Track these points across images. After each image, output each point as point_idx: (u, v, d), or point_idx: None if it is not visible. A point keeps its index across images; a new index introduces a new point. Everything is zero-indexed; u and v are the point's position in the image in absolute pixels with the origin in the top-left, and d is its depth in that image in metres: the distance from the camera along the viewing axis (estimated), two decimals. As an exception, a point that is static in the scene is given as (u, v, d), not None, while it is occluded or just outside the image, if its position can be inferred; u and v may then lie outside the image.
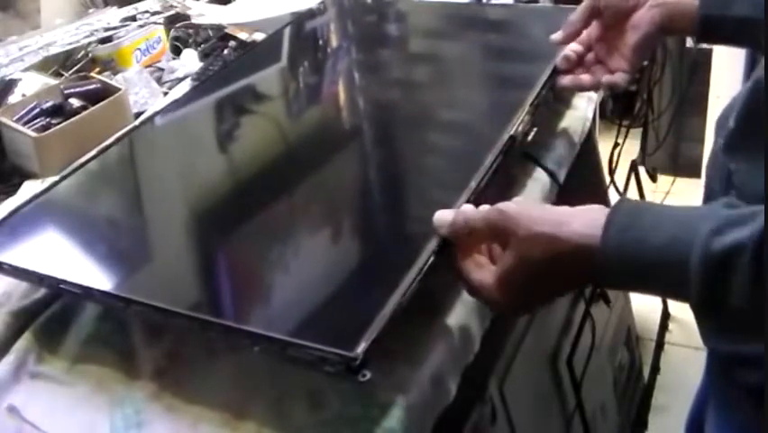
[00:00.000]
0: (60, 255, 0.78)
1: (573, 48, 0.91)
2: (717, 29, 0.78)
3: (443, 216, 0.66)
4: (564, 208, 0.59)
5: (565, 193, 0.95)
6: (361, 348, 0.57)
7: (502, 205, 0.61)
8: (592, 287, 0.61)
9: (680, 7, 0.81)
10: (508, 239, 0.60)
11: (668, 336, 1.87)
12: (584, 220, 0.57)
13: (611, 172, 1.59)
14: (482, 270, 0.63)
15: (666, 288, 0.54)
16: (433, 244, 0.66)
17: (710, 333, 0.54)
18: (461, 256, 0.64)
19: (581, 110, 1.07)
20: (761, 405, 0.52)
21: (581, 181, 1.06)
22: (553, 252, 0.57)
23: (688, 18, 0.80)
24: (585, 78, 0.89)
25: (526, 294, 0.61)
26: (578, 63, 0.91)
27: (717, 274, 0.49)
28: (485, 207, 0.63)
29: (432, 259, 0.65)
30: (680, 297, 0.53)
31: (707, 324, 0.53)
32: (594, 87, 0.90)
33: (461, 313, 0.73)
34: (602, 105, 1.18)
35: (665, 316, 1.90)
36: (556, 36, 0.91)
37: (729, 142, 0.69)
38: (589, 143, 1.13)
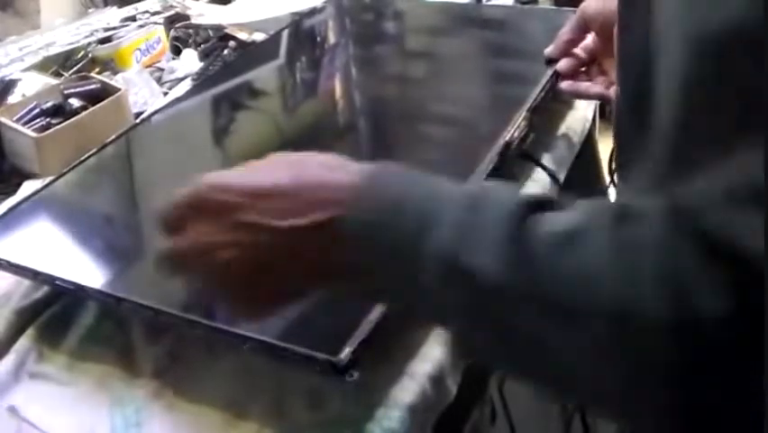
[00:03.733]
0: (56, 252, 0.78)
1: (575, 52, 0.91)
2: None
3: None
4: None
5: (565, 193, 0.95)
6: (345, 353, 0.58)
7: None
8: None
9: None
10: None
11: (668, 337, 1.87)
12: None
13: (611, 172, 1.58)
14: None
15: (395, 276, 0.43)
16: None
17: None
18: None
19: (581, 110, 1.08)
20: None
21: (581, 181, 1.06)
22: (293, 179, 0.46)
23: None
24: (582, 85, 0.90)
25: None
26: (581, 71, 0.91)
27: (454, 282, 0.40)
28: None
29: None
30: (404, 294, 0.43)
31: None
32: (589, 96, 0.90)
33: (462, 313, 0.73)
34: (602, 105, 1.19)
35: (665, 316, 1.90)
36: (548, 51, 0.93)
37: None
38: (589, 143, 1.13)
